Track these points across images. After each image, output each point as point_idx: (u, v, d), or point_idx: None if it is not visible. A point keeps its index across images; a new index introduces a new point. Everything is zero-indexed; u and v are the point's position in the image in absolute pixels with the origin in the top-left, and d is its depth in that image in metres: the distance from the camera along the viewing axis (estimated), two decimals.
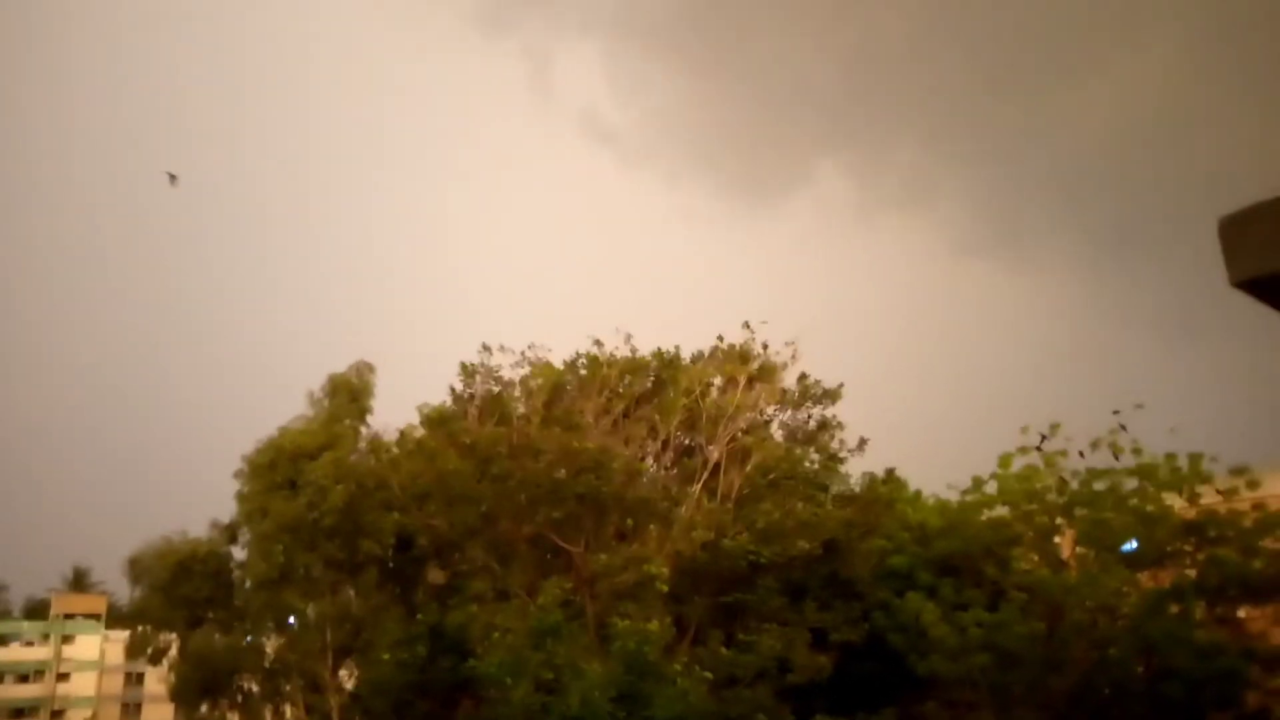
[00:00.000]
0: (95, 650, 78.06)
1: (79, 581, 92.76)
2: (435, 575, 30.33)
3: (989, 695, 24.81)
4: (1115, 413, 25.13)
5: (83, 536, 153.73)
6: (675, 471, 29.84)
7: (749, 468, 28.06)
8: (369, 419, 36.08)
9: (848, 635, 26.20)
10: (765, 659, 24.63)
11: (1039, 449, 26.20)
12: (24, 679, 76.72)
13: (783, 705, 24.39)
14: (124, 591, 42.71)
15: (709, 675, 22.92)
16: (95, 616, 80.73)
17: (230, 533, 36.20)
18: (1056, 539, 26.81)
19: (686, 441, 30.53)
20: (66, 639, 78.39)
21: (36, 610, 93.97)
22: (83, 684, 77.17)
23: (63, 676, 76.86)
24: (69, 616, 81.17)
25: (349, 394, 36.00)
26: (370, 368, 37.16)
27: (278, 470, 33.28)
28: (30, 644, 78.80)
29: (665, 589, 23.93)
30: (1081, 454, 25.64)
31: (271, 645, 37.33)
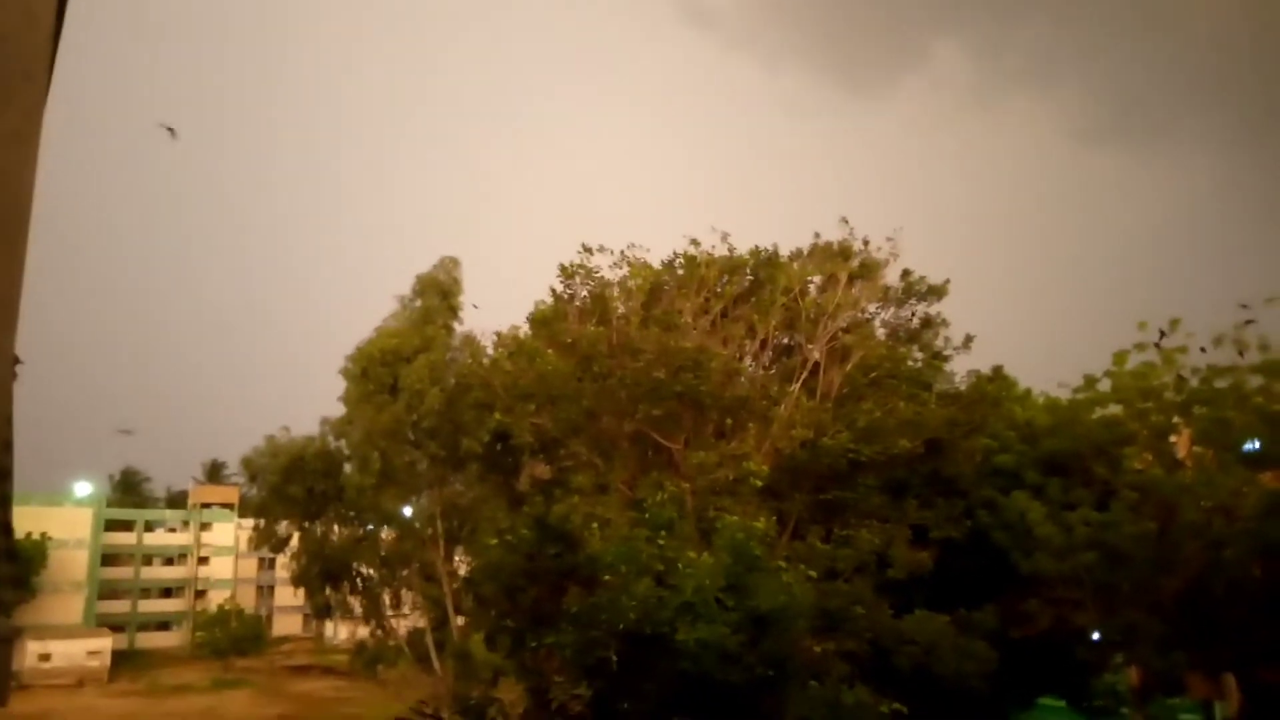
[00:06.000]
0: (230, 537, 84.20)
1: (215, 474, 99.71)
2: (540, 470, 31.21)
3: (1094, 594, 24.56)
4: (1243, 306, 23.85)
5: (220, 430, 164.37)
6: (774, 371, 29.73)
7: (849, 367, 27.72)
8: (460, 315, 36.22)
9: (949, 532, 26.07)
10: (864, 554, 24.76)
11: (1157, 345, 25.19)
12: (169, 562, 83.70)
13: (882, 599, 24.61)
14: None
15: (813, 574, 23.22)
16: (229, 506, 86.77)
17: (340, 430, 36.99)
18: (1172, 438, 25.93)
19: (785, 341, 30.29)
20: (204, 526, 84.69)
21: (176, 500, 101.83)
22: (221, 568, 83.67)
23: (203, 560, 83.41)
24: (206, 506, 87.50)
25: (439, 292, 36.12)
26: (456, 263, 36.81)
27: (370, 378, 33.72)
28: (173, 530, 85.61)
29: (760, 485, 24.13)
30: (1204, 350, 24.53)
31: (386, 536, 39.02)
